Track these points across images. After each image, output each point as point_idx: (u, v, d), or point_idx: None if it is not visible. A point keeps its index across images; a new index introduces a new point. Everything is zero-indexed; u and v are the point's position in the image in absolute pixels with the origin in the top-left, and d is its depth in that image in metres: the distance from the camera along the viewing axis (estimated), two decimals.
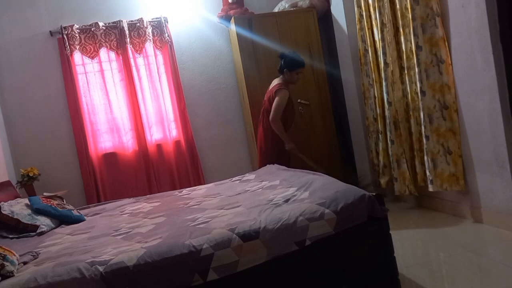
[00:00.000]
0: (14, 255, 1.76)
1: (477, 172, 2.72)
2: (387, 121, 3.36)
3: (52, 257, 1.83)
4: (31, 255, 1.88)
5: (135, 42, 4.24)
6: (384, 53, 3.29)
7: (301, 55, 3.48)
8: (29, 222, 2.53)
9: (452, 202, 3.02)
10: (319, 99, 4.19)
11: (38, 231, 2.48)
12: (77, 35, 4.08)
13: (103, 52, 4.19)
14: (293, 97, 3.59)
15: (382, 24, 3.27)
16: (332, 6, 4.09)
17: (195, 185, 3.88)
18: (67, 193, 3.76)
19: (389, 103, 3.32)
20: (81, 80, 4.14)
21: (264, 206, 2.06)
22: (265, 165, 3.32)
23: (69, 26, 4.05)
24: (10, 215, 2.52)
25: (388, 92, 3.31)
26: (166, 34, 4.30)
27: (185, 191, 3.10)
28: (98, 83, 4.17)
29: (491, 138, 2.54)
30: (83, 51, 4.13)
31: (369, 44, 3.53)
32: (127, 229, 2.19)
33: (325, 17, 4.29)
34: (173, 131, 4.36)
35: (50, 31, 4.11)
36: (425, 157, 2.95)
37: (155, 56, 4.30)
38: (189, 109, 4.38)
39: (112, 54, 4.21)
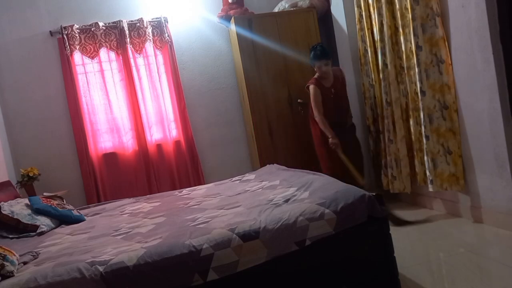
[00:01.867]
0: (14, 255, 1.76)
1: (477, 172, 2.72)
2: (387, 121, 3.36)
3: (52, 257, 1.83)
4: (31, 255, 1.88)
5: (135, 42, 4.23)
6: (384, 53, 3.29)
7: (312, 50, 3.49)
8: (29, 222, 2.53)
9: (452, 202, 3.02)
10: None
11: (38, 231, 2.48)
12: (77, 35, 4.08)
13: (103, 52, 4.18)
14: (328, 91, 3.46)
15: (382, 24, 3.27)
16: (332, 6, 4.09)
17: (195, 185, 3.88)
18: (67, 193, 3.76)
19: (389, 103, 3.31)
20: (81, 80, 4.14)
21: (264, 206, 2.07)
22: (320, 156, 3.55)
23: (69, 26, 4.05)
24: (10, 215, 2.52)
25: (388, 92, 3.31)
26: (166, 34, 4.29)
27: (185, 191, 3.10)
28: (98, 83, 4.17)
29: (491, 138, 2.53)
30: (83, 51, 4.13)
31: (369, 44, 3.53)
32: (127, 229, 2.19)
33: (325, 17, 4.29)
34: (173, 131, 4.36)
35: (50, 31, 4.11)
36: (425, 157, 2.95)
37: (155, 56, 4.30)
38: (189, 109, 4.38)
39: (112, 54, 4.21)
